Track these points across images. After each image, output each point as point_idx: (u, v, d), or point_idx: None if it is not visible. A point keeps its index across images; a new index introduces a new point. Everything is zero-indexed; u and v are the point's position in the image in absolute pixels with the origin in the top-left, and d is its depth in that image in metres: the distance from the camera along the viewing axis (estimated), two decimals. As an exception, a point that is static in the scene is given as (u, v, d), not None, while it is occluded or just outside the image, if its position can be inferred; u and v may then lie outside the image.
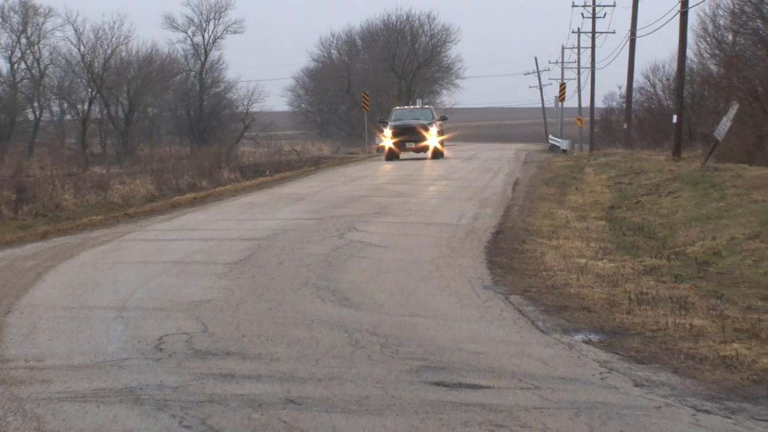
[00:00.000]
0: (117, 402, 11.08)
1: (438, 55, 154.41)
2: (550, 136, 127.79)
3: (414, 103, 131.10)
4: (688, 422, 11.03)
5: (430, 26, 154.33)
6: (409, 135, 72.71)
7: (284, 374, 12.57)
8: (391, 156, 73.53)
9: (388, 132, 74.01)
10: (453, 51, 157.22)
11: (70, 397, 11.21)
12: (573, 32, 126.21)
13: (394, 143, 72.74)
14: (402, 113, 79.31)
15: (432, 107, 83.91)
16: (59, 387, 11.70)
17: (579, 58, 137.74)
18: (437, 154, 73.22)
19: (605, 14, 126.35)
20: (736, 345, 14.65)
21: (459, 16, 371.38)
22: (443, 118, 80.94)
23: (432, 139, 72.93)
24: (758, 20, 62.94)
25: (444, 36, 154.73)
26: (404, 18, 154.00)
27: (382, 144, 77.76)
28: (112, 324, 15.75)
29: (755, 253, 23.91)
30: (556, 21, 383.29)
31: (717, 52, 71.86)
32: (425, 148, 73.64)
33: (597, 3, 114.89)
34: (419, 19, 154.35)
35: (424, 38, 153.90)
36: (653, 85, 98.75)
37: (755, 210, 30.21)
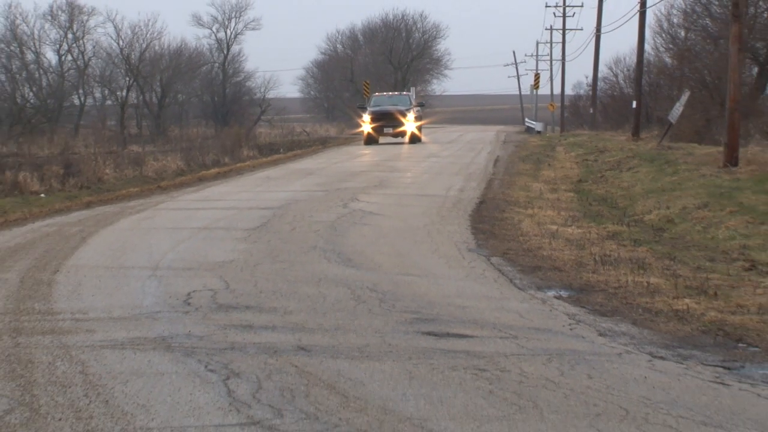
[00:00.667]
0: (151, 349, 11.09)
1: (429, 48, 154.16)
2: (526, 120, 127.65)
3: (408, 91, 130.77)
4: (645, 367, 11.03)
5: (422, 24, 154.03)
6: (387, 120, 66.58)
7: (296, 325, 12.57)
8: (370, 140, 67.00)
9: (366, 117, 67.26)
10: (442, 45, 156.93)
11: (110, 345, 11.21)
12: (546, 29, 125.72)
13: (373, 128, 66.31)
14: (381, 99, 72.56)
15: (410, 94, 75.73)
16: (101, 336, 11.70)
17: (551, 52, 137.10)
18: (414, 139, 67.15)
19: (574, 13, 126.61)
20: (687, 300, 14.65)
21: (448, 14, 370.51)
22: (421, 105, 75.05)
23: (409, 124, 66.79)
24: (707, 18, 62.93)
25: (434, 32, 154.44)
26: (400, 16, 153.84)
27: (361, 129, 69.31)
28: (146, 282, 15.75)
29: (703, 221, 23.91)
30: (532, 19, 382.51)
31: (671, 46, 71.79)
32: (403, 134, 67.10)
33: (567, 3, 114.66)
34: (413, 17, 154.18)
35: (417, 34, 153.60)
36: (615, 75, 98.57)
37: (703, 183, 30.21)
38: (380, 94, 75.52)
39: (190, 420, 8.55)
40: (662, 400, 9.60)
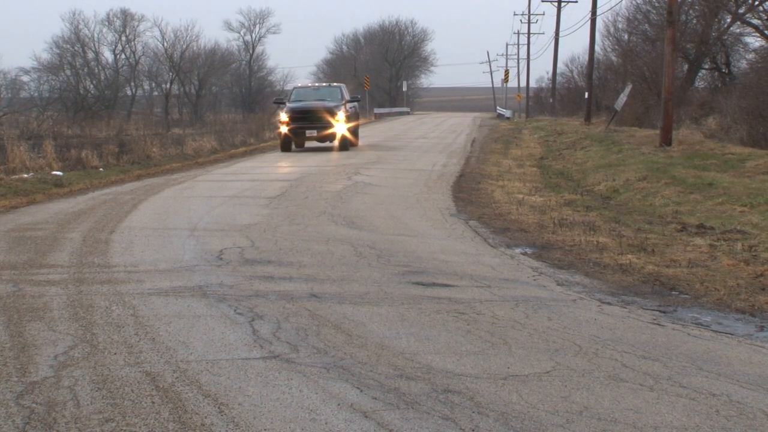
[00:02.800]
0: (189, 296, 11.07)
1: (418, 49, 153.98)
2: (498, 108, 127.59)
3: (401, 86, 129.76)
4: (596, 310, 11.03)
5: (412, 28, 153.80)
6: (309, 120, 42.59)
7: (308, 276, 12.55)
8: (287, 145, 43.07)
9: (284, 116, 43.00)
10: (429, 46, 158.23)
11: (156, 293, 11.20)
12: (514, 33, 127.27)
13: (291, 130, 42.41)
14: (304, 92, 46.78)
15: (343, 85, 48.83)
16: (148, 285, 11.69)
17: (518, 52, 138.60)
18: (345, 145, 43.05)
19: (537, 20, 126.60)
20: (629, 256, 14.65)
21: (433, 20, 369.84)
22: (355, 99, 47.97)
23: (339, 125, 42.56)
24: (646, 24, 62.89)
25: (422, 35, 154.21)
26: (394, 22, 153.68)
27: (278, 130, 44.97)
28: (186, 240, 15.73)
29: (643, 191, 23.90)
30: (502, 25, 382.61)
31: (617, 47, 71.72)
32: (331, 137, 42.98)
33: (531, 12, 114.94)
34: (405, 23, 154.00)
35: (408, 37, 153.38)
36: (571, 71, 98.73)
37: (643, 160, 30.20)
38: (304, 85, 48.95)
39: (222, 354, 8.55)
40: (609, 338, 9.60)
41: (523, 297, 11.67)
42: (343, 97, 44.32)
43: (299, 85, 48.24)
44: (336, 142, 42.52)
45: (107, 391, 7.38)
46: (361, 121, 57.79)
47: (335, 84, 48.58)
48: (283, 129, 42.11)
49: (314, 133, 42.01)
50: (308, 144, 44.09)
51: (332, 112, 41.92)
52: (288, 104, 43.43)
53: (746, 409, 7.36)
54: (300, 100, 43.99)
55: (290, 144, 42.84)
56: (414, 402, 7.27)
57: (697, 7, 57.56)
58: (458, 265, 14.02)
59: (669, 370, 8.41)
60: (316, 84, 50.19)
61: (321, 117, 41.87)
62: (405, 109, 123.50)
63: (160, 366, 8.10)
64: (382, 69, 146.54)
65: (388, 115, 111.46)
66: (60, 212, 19.62)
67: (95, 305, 10.47)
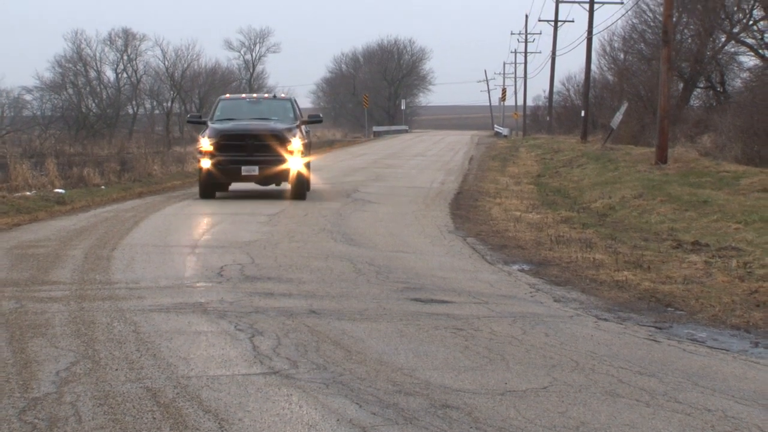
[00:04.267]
0: (190, 312, 11.07)
1: (416, 68, 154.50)
2: (495, 126, 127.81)
3: (399, 104, 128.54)
4: (592, 326, 11.03)
5: (411, 47, 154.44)
6: (247, 149, 26.14)
7: (308, 293, 12.55)
8: (208, 188, 27.07)
9: (205, 143, 26.46)
10: (427, 65, 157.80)
11: (158, 309, 11.20)
12: (511, 53, 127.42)
13: (217, 164, 26.16)
14: (235, 107, 29.37)
15: (293, 99, 30.97)
16: (150, 302, 11.69)
17: (515, 71, 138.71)
18: (301, 189, 26.70)
19: (534, 39, 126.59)
20: (625, 273, 14.66)
21: (432, 39, 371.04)
22: (315, 121, 30.75)
23: (294, 160, 26.22)
24: (642, 43, 63.09)
25: (421, 54, 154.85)
26: (393, 41, 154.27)
27: (198, 164, 27.76)
28: (187, 257, 15.73)
29: (639, 208, 23.93)
30: (500, 44, 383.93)
31: (613, 66, 72.00)
32: (280, 177, 27.07)
33: (528, 31, 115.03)
34: (403, 42, 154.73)
35: (406, 56, 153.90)
36: (568, 90, 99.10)
37: (639, 177, 30.23)
38: (235, 96, 31.25)
39: (222, 370, 8.54)
40: (606, 354, 9.60)
41: (521, 313, 11.67)
42: (296, 116, 28.11)
43: (227, 96, 30.63)
44: (289, 185, 26.73)
45: (108, 407, 7.38)
46: (361, 138, 54.08)
47: (283, 96, 31.62)
48: (205, 163, 25.99)
49: (254, 170, 25.90)
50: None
51: (283, 139, 26.00)
52: (212, 125, 26.98)
53: (741, 424, 7.36)
54: (230, 119, 27.58)
55: (213, 187, 26.77)
56: (413, 417, 7.27)
57: (692, 27, 57.71)
58: (456, 281, 14.02)
59: (665, 386, 8.42)
60: (254, 95, 31.53)
61: (266, 146, 25.90)
62: (403, 127, 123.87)
63: (161, 382, 8.10)
64: (381, 87, 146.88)
65: (387, 133, 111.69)
66: (62, 229, 19.61)
67: (97, 321, 10.46)
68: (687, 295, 12.97)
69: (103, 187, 31.60)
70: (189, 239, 18.15)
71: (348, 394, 7.85)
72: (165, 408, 7.37)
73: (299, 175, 26.19)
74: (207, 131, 26.70)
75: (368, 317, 11.06)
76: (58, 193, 27.74)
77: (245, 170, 25.95)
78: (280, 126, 26.80)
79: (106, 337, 9.73)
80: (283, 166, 26.00)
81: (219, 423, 7.02)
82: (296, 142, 26.09)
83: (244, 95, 32.43)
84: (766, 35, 52.77)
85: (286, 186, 27.47)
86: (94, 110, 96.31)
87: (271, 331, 10.07)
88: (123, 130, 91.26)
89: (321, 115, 31.99)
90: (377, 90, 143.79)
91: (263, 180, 27.05)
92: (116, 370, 8.49)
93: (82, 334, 9.89)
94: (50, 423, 6.95)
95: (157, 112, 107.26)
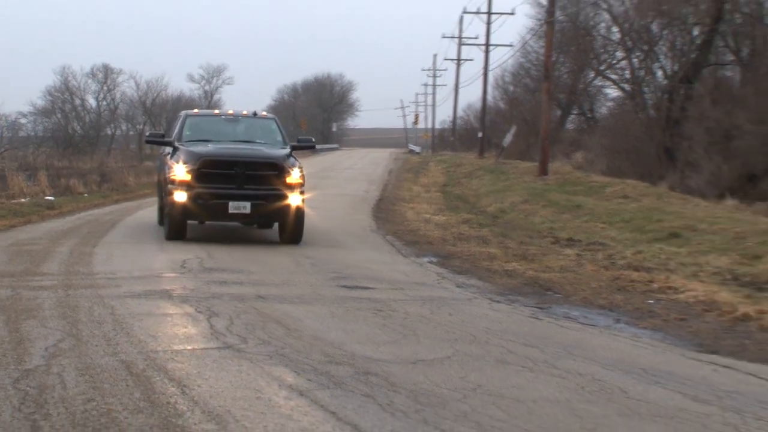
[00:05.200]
0: (158, 297, 10.94)
1: (345, 97, 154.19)
2: (409, 144, 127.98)
3: (331, 127, 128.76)
4: (487, 307, 11.08)
5: (341, 80, 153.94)
6: (238, 182, 16.23)
7: (256, 281, 12.47)
8: (182, 228, 16.87)
9: (180, 169, 16.39)
10: (354, 95, 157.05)
11: (131, 295, 11.05)
12: (422, 85, 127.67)
13: (196, 197, 16.21)
14: (210, 124, 19.06)
15: (275, 117, 19.94)
16: (125, 289, 11.53)
17: (426, 100, 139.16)
18: (298, 230, 16.98)
19: (441, 75, 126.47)
20: (514, 263, 14.75)
21: (358, 73, 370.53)
22: (307, 146, 19.13)
23: (295, 195, 16.59)
24: (527, 78, 63.72)
25: (349, 86, 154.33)
26: (326, 75, 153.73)
27: (170, 196, 16.51)
28: (156, 253, 15.55)
29: (525, 211, 24.10)
30: (414, 77, 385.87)
31: (504, 96, 72.51)
32: (277, 215, 16.85)
33: (437, 68, 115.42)
34: (335, 76, 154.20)
35: (337, 87, 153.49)
36: (468, 116, 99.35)
37: (525, 187, 30.46)
38: (205, 112, 22.16)
39: (184, 345, 8.45)
40: (498, 329, 9.64)
41: (429, 297, 11.69)
42: (285, 140, 18.94)
43: (195, 111, 21.41)
44: (287, 223, 17.26)
45: (89, 376, 7.26)
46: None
47: (264, 114, 20.62)
48: (179, 195, 16.73)
49: (245, 207, 16.65)
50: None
51: (282, 169, 17.04)
52: (184, 146, 17.74)
53: (606, 385, 7.43)
54: (205, 140, 18.13)
55: (185, 226, 17.28)
56: (341, 382, 7.25)
57: (567, 65, 58.32)
58: (378, 271, 14.01)
59: (545, 355, 8.47)
60: (230, 111, 20.22)
61: (261, 177, 16.87)
62: (335, 145, 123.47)
63: (134, 355, 7.99)
64: (316, 113, 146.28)
65: (321, 150, 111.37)
66: (51, 230, 19.30)
67: (80, 306, 10.30)
68: (563, 282, 13.07)
69: (86, 195, 31.18)
70: (158, 239, 17.94)
71: (288, 364, 7.81)
72: (137, 377, 7.27)
73: (298, 214, 17.04)
74: (180, 155, 17.08)
75: (305, 301, 11.01)
76: (48, 200, 27.31)
77: (234, 207, 16.58)
78: (276, 152, 17.57)
79: (87, 319, 9.58)
80: (281, 203, 16.79)
81: (181, 389, 6.94)
82: (296, 173, 17.00)
83: (216, 111, 23.68)
84: (626, 72, 53.52)
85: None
86: (78, 131, 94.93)
87: (225, 313, 9.99)
88: (103, 148, 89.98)
89: (313, 140, 20.08)
90: (313, 115, 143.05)
91: (254, 219, 17.73)
92: (96, 346, 8.36)
93: (68, 316, 9.73)
94: (40, 390, 6.83)
95: (131, 133, 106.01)
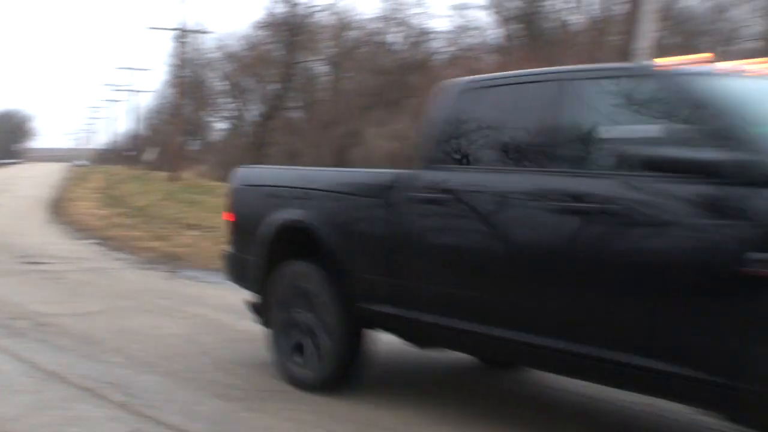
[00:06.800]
0: None
1: (23, 125, 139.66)
2: (74, 161, 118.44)
3: (11, 149, 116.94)
4: (137, 273, 10.77)
5: (18, 114, 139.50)
6: None
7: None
8: None
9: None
10: (35, 123, 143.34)
11: None
12: (90, 117, 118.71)
13: None
14: None
15: None
16: None
17: (93, 127, 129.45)
18: None
19: (101, 109, 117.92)
20: (154, 242, 14.37)
21: (42, 104, 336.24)
22: None
23: None
24: (165, 114, 61.94)
25: (27, 118, 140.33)
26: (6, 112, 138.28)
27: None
28: None
29: (162, 206, 23.48)
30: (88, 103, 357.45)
31: (150, 124, 69.82)
32: None
33: (98, 106, 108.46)
34: (12, 111, 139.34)
35: (15, 119, 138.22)
36: (116, 141, 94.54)
37: (163, 189, 29.71)
38: None
39: None
40: (143, 288, 9.42)
41: (92, 268, 11.10)
42: None
43: None
44: None
45: None
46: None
47: None
48: None
49: None
50: None
51: None
52: None
53: (218, 323, 7.47)
54: None
55: None
56: (22, 333, 6.73)
57: (191, 105, 57.66)
58: (54, 251, 13.02)
59: (176, 304, 8.42)
60: None
61: None
62: (19, 160, 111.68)
63: None
64: (2, 140, 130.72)
65: (7, 164, 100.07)
66: None
67: None
68: (188, 253, 12.96)
69: None
70: None
71: (-19, 322, 7.10)
72: None
73: None
74: None
75: (2, 274, 10.01)
76: None
77: None
78: None
79: None
80: None
81: None
82: None
83: None
84: (232, 111, 54.02)
85: None
86: None
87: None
88: None
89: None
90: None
91: None
92: None
93: None
94: None
95: None
